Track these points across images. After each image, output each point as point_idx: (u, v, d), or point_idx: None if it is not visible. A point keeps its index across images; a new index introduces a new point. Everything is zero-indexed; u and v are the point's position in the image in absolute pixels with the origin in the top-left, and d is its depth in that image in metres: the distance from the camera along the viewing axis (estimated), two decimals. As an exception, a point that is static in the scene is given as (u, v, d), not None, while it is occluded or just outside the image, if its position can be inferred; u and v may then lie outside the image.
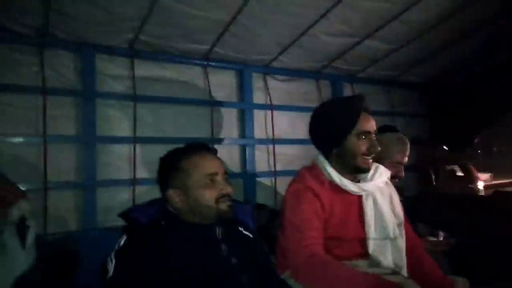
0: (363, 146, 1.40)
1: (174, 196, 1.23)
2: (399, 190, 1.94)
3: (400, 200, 1.60)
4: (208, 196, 1.21)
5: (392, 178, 1.85)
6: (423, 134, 3.42)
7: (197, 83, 2.50)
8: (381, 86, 3.21)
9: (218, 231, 1.24)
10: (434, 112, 3.45)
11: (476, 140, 3.67)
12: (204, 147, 1.32)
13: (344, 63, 2.81)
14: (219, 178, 1.25)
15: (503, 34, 2.68)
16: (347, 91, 3.02)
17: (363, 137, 1.41)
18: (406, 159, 1.92)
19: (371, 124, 1.43)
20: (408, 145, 1.93)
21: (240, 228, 1.33)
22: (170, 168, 1.27)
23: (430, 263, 1.49)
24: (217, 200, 1.21)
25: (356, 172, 1.45)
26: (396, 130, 1.98)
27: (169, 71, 2.40)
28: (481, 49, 2.91)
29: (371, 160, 1.43)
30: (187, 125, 2.42)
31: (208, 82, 2.50)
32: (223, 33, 2.17)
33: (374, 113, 3.05)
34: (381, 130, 1.96)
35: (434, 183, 3.37)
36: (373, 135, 1.43)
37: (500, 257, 1.82)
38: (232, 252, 1.19)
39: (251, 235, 1.35)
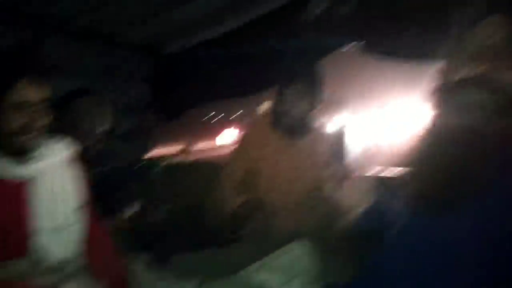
0: (14, 123, 1.08)
1: None
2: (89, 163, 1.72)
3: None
4: None
5: (88, 150, 1.64)
6: (143, 99, 3.30)
7: None
8: (95, 43, 2.82)
9: None
10: (158, 78, 3.33)
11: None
12: None
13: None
14: None
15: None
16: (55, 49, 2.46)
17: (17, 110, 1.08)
18: (106, 126, 1.70)
19: (30, 92, 1.10)
20: (109, 111, 1.71)
21: None
22: None
23: (106, 247, 1.35)
24: None
25: (11, 155, 1.12)
26: (93, 93, 1.72)
27: None
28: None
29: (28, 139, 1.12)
30: None
31: None
32: None
33: (81, 75, 2.60)
34: (73, 95, 1.69)
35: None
36: (36, 106, 1.12)
37: (184, 228, 1.91)
38: None
39: None
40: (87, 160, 1.68)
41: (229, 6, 2.74)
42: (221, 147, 4.25)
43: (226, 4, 2.70)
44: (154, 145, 3.42)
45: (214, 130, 4.74)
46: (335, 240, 1.47)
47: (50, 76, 1.24)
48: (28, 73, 1.13)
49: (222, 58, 3.02)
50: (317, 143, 1.70)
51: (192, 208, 2.05)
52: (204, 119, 4.33)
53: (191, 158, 3.85)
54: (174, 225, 1.91)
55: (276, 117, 1.69)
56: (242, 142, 1.82)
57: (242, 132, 1.89)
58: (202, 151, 4.22)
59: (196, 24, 2.94)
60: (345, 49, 2.79)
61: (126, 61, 3.07)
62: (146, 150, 3.31)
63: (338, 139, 1.76)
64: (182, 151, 3.84)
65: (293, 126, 1.64)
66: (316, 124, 1.75)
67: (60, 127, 1.48)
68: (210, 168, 2.07)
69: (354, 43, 2.76)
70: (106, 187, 1.73)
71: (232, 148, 1.92)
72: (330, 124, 3.10)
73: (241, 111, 4.67)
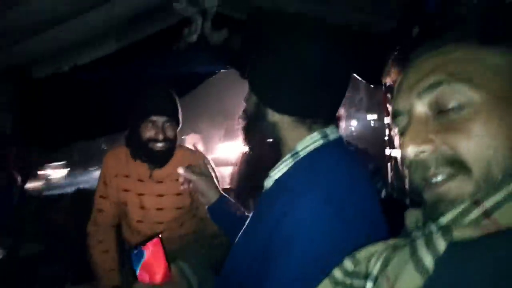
0: None
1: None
2: None
3: None
4: None
5: None
6: (6, 129, 3.02)
7: None
8: None
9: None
10: (21, 106, 3.08)
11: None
12: None
13: None
14: None
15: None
16: None
17: None
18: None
19: None
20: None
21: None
22: None
23: None
24: None
25: None
26: None
27: None
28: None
29: None
30: None
31: None
32: None
33: None
34: None
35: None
36: None
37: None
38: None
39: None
40: None
41: (101, 33, 2.73)
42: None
43: (97, 31, 2.68)
44: (26, 176, 3.13)
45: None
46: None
47: None
48: None
49: (96, 84, 2.94)
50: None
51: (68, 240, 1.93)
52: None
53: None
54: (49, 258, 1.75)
55: (135, 147, 1.64)
56: (104, 175, 1.71)
57: (103, 165, 1.71)
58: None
59: (66, 49, 2.83)
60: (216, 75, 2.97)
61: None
62: (15, 181, 3.02)
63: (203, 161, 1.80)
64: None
65: (154, 155, 1.60)
66: (179, 150, 1.74)
67: None
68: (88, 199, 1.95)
69: (226, 69, 2.97)
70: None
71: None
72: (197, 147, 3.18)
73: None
